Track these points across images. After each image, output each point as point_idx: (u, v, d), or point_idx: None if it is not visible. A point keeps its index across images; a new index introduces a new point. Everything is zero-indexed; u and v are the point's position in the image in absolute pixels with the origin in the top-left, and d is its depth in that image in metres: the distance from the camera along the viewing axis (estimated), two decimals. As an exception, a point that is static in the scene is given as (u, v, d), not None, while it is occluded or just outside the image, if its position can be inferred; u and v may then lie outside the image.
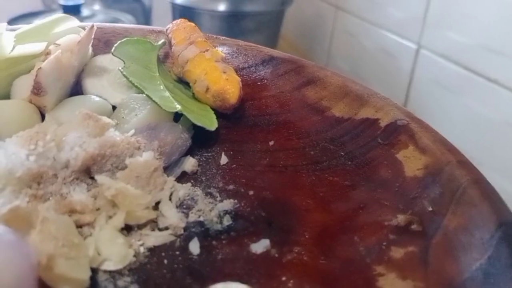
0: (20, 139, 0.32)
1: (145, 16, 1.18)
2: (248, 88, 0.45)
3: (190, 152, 0.38)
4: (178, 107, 0.38)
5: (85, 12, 1.01)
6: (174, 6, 1.06)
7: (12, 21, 0.97)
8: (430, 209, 0.30)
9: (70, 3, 1.00)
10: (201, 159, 0.38)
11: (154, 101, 0.37)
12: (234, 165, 0.37)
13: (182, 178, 0.35)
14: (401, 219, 0.30)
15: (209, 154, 0.38)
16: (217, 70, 0.42)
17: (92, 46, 0.45)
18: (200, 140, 0.39)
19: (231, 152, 0.38)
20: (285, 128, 0.41)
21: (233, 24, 1.01)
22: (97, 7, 1.14)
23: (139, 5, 1.17)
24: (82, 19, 0.98)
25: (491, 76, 0.64)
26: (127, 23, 1.03)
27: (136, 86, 0.38)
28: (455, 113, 0.70)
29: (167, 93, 0.40)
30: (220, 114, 0.42)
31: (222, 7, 1.00)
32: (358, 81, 0.43)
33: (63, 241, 0.25)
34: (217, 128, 0.39)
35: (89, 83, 0.42)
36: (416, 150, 0.34)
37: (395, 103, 0.39)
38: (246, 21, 1.02)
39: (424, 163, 0.33)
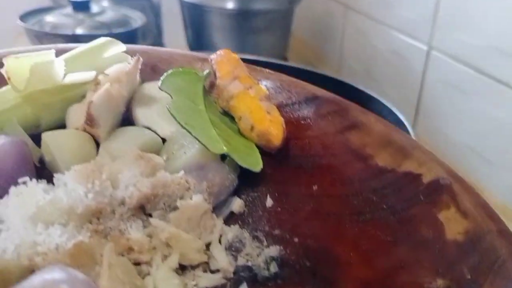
0: (78, 175, 0.36)
1: (154, 13, 1.22)
2: (292, 126, 0.49)
3: (235, 190, 0.42)
4: (225, 149, 0.42)
5: (94, 8, 1.06)
6: (183, 4, 1.11)
7: (23, 17, 1.03)
8: (469, 277, 0.34)
9: (79, -1, 1.04)
10: (247, 199, 0.42)
11: (201, 142, 0.42)
12: (279, 208, 0.41)
13: (230, 218, 0.40)
14: (440, 283, 0.34)
15: (255, 194, 0.42)
16: (261, 110, 0.47)
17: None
18: (245, 178, 0.43)
19: (276, 194, 0.42)
20: (328, 172, 0.45)
21: (242, 23, 1.06)
22: (106, 3, 1.18)
23: (148, 2, 1.21)
24: (91, 15, 1.04)
25: (503, 79, 0.67)
26: (137, 20, 1.08)
27: (183, 127, 0.42)
28: (467, 115, 0.74)
29: (213, 131, 0.44)
30: (264, 151, 0.46)
31: (230, 5, 1.04)
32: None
33: (130, 284, 0.30)
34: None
35: (139, 113, 0.46)
36: (458, 212, 0.38)
37: (438, 158, 0.43)
38: (255, 19, 1.06)
39: (465, 228, 0.37)
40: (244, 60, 0.53)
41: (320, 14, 1.19)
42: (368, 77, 1.00)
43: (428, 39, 0.81)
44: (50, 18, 1.04)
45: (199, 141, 0.42)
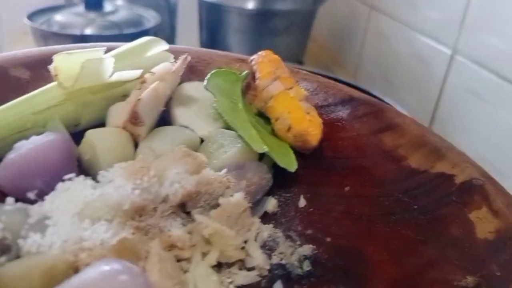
0: (125, 172, 0.39)
1: (170, 13, 1.20)
2: (325, 128, 0.50)
3: (269, 191, 0.44)
4: (266, 148, 0.44)
5: (107, 7, 1.04)
6: (201, 3, 1.11)
7: (31, 15, 1.02)
8: (499, 273, 0.35)
9: (92, -3, 1.02)
10: (280, 199, 0.44)
11: (245, 141, 0.44)
12: (312, 209, 0.43)
13: (264, 218, 0.42)
14: (470, 280, 0.35)
15: (288, 195, 0.44)
16: (300, 110, 0.48)
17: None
18: (278, 179, 0.45)
19: (309, 195, 0.44)
20: (360, 173, 0.46)
21: (260, 24, 1.06)
22: (119, 1, 1.16)
23: (164, 1, 1.19)
24: (102, 15, 1.02)
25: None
26: (150, 20, 1.07)
27: (229, 126, 0.45)
28: (487, 124, 0.73)
29: (253, 131, 0.46)
30: (296, 152, 0.48)
31: (250, 5, 1.04)
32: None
33: (177, 279, 0.32)
34: (294, 167, 0.45)
35: (178, 113, 0.49)
36: (489, 212, 0.39)
37: (471, 160, 0.44)
38: (276, 20, 1.06)
39: (495, 227, 0.38)
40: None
41: (342, 15, 1.17)
42: (385, 82, 0.99)
43: (453, 42, 0.80)
44: (59, 17, 1.02)
45: (243, 140, 0.44)
